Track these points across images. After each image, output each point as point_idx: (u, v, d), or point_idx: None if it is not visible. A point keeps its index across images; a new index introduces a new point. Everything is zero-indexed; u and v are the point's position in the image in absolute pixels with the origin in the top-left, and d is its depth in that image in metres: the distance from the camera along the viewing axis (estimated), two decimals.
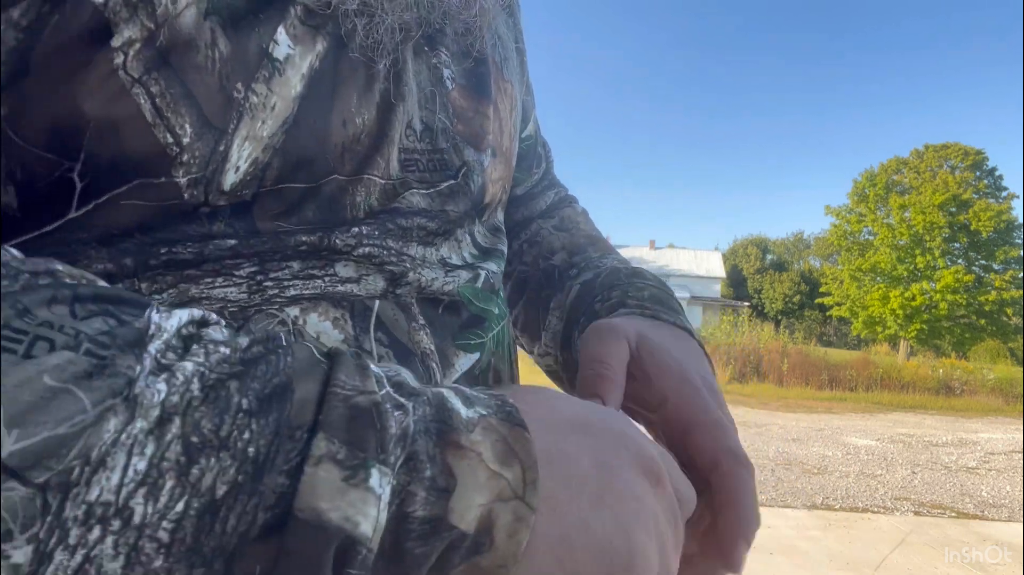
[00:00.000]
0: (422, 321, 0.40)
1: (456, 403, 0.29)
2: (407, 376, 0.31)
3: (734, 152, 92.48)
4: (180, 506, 0.23)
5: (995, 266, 22.99)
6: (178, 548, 0.23)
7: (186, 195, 0.32)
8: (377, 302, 0.38)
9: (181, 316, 0.26)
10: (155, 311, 0.25)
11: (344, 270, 0.37)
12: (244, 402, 0.24)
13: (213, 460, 0.23)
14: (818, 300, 28.39)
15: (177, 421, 0.23)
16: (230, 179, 0.33)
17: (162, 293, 0.33)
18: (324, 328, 0.36)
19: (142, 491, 0.22)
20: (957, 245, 23.39)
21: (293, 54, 0.34)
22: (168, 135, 0.31)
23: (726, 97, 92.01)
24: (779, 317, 37.90)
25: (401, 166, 0.40)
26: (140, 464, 0.22)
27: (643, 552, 0.30)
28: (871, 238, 24.72)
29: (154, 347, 0.24)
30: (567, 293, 0.58)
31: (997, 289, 21.97)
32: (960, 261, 23.15)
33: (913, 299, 22.17)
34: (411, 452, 0.27)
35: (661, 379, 0.43)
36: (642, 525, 0.31)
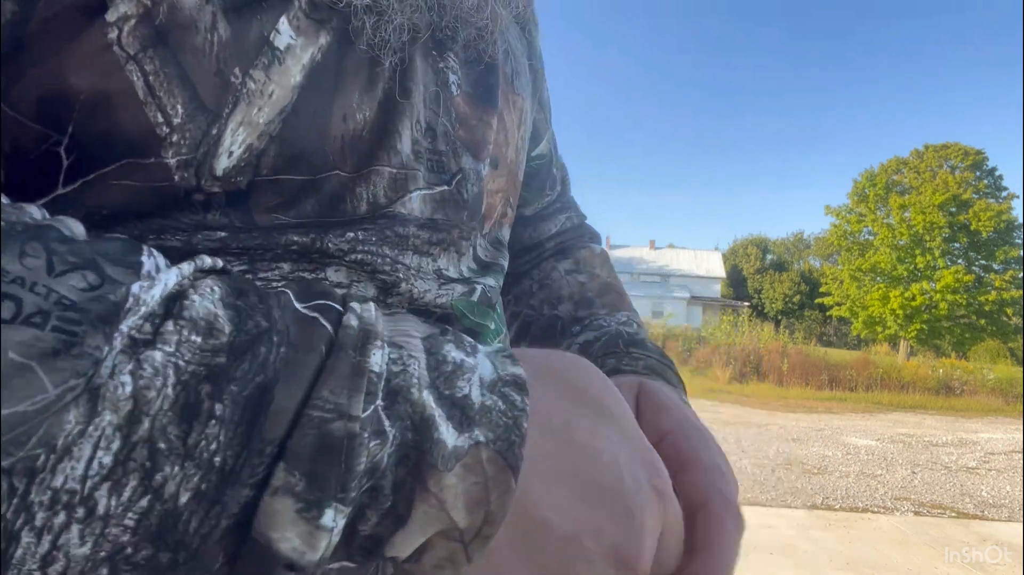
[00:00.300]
0: None
1: (445, 431, 0.27)
2: (417, 364, 0.28)
3: (734, 152, 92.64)
4: (144, 503, 0.23)
5: (995, 266, 23.00)
6: (144, 534, 0.23)
7: (176, 177, 0.32)
8: None
9: (168, 281, 0.25)
10: (137, 283, 0.24)
11: (335, 275, 0.37)
12: (217, 407, 0.24)
13: (177, 468, 0.23)
14: (818, 300, 28.41)
15: (146, 423, 0.23)
16: (223, 164, 0.33)
17: None
18: None
19: (106, 485, 0.22)
20: (957, 245, 23.40)
21: (295, 45, 0.34)
22: (159, 114, 0.31)
23: (726, 98, 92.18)
24: (779, 317, 37.94)
25: (414, 155, 0.39)
26: (105, 459, 0.22)
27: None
28: (871, 238, 24.73)
29: (127, 324, 0.23)
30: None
31: (997, 289, 21.98)
32: (960, 261, 23.17)
33: (913, 299, 22.17)
34: (377, 485, 0.26)
35: (660, 415, 0.42)
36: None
